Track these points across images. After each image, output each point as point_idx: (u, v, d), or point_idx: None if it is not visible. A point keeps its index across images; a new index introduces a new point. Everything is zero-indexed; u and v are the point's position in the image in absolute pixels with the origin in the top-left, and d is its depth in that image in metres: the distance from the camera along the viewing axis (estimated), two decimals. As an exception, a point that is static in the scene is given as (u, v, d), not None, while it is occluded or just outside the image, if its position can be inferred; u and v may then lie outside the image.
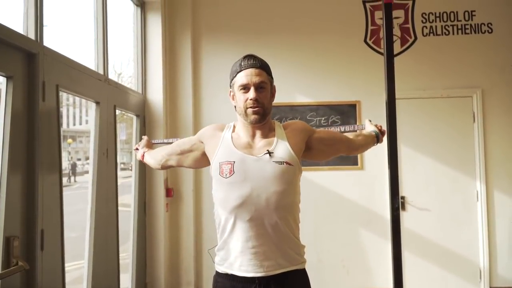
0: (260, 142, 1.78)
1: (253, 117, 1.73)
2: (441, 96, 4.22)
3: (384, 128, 2.28)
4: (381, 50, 4.20)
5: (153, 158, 2.15)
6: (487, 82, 4.20)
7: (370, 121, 2.30)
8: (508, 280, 4.08)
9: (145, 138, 2.41)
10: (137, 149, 2.36)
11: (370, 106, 4.21)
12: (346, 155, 2.16)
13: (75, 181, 16.05)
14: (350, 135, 2.06)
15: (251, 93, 1.72)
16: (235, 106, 1.82)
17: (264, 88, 1.75)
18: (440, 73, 4.24)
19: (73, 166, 17.82)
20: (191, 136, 2.01)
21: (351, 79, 4.29)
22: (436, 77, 4.24)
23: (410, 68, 4.17)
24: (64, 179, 2.67)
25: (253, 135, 1.79)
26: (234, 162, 1.71)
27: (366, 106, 4.24)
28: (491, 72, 4.21)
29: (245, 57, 1.79)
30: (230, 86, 1.83)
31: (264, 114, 1.75)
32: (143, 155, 2.25)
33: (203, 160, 1.90)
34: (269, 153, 1.71)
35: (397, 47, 4.18)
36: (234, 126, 1.85)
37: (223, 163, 1.73)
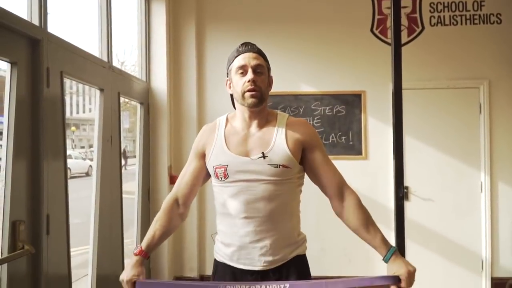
0: (256, 134, 1.72)
1: (250, 100, 1.66)
2: (448, 87, 4.18)
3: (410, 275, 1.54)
4: (388, 40, 4.16)
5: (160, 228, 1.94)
6: (495, 74, 4.16)
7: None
8: (510, 271, 4.08)
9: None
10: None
11: (375, 96, 4.19)
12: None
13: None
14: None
15: (249, 75, 1.67)
16: (231, 95, 1.78)
17: (261, 72, 1.71)
18: (447, 64, 4.19)
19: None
20: (189, 157, 1.83)
21: (356, 69, 4.26)
22: (442, 68, 4.20)
23: (416, 58, 4.11)
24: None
25: (249, 125, 1.74)
26: (227, 166, 1.67)
27: (371, 96, 4.22)
28: (499, 63, 4.16)
29: (242, 44, 1.75)
30: (227, 74, 1.79)
31: (262, 99, 1.69)
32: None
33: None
34: (264, 156, 1.66)
35: (403, 37, 4.11)
36: (227, 119, 1.79)
37: (216, 167, 1.69)
